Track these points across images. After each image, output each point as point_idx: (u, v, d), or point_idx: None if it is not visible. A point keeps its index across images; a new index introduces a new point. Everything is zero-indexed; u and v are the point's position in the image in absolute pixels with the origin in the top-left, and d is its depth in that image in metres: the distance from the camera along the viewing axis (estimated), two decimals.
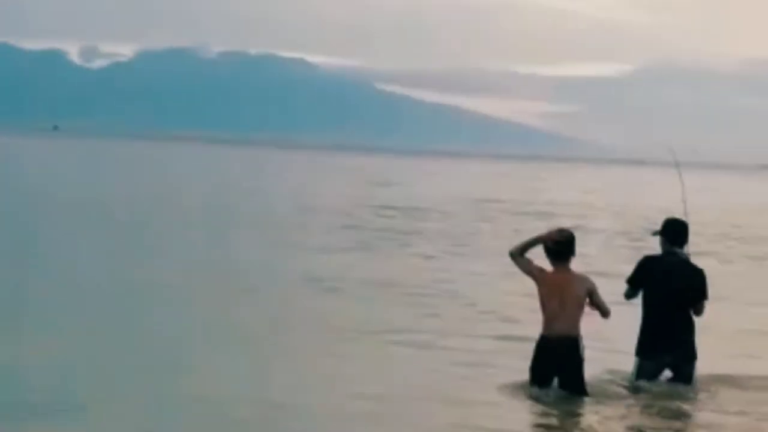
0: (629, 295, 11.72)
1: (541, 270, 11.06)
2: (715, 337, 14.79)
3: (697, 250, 12.88)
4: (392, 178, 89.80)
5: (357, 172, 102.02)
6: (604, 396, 11.68)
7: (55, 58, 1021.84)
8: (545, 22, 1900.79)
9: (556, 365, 11.01)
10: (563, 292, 10.89)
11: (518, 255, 11.08)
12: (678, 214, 12.29)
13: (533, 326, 11.77)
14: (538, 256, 11.48)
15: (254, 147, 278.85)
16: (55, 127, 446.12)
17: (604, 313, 11.12)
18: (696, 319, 11.79)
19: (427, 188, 72.93)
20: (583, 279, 11.09)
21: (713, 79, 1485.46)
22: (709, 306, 11.96)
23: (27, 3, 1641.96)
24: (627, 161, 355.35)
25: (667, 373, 11.84)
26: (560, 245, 10.99)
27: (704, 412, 11.62)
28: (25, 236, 29.31)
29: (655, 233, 11.74)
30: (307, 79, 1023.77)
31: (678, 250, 11.52)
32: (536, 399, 11.21)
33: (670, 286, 11.37)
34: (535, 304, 11.42)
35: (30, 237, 28.94)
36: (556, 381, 11.17)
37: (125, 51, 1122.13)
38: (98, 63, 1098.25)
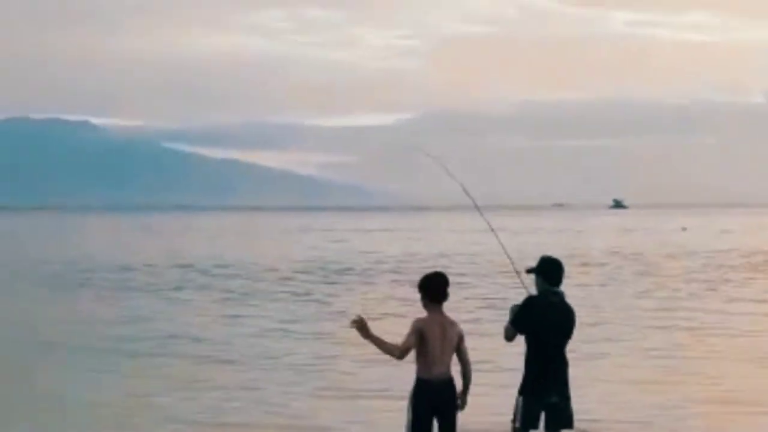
0: (511, 336, 11.00)
1: (417, 326, 10.49)
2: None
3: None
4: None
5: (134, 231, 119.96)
6: None
7: None
8: (327, 74, 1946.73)
9: (439, 409, 10.61)
10: (444, 335, 10.55)
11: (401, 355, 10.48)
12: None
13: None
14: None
15: (40, 213, 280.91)
16: None
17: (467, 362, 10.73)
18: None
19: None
20: (455, 323, 10.74)
21: (490, 123, 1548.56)
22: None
23: None
24: (414, 207, 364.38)
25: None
26: (440, 288, 10.62)
27: None
28: None
29: (529, 271, 11.10)
30: (94, 141, 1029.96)
31: (556, 290, 11.01)
32: None
33: (557, 326, 10.94)
34: None
35: None
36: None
37: None
38: None
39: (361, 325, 10.26)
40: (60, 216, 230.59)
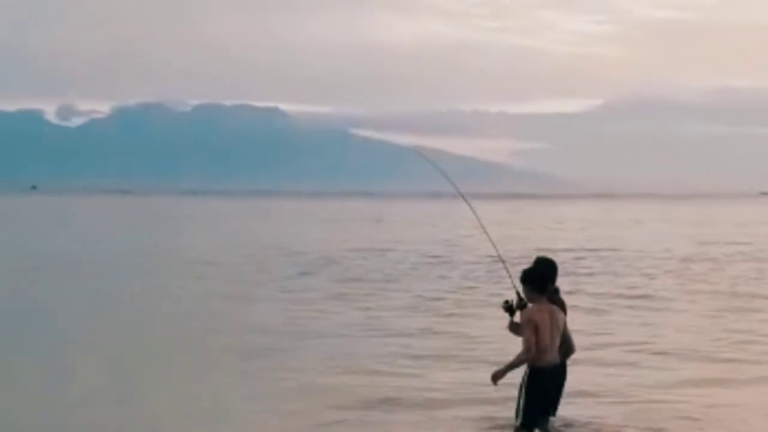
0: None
1: (532, 320, 10.98)
2: None
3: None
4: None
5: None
6: None
7: (32, 118, 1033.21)
8: (516, 60, 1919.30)
9: (550, 393, 11.18)
10: (553, 322, 11.00)
11: (508, 371, 11.10)
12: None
13: None
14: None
15: (240, 197, 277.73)
16: (33, 187, 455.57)
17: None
18: None
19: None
20: (559, 310, 11.16)
21: (677, 110, 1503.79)
22: None
23: (1, 65, 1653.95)
24: (599, 195, 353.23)
25: None
26: (545, 277, 11.13)
27: None
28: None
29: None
30: (283, 127, 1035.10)
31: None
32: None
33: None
34: None
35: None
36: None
37: (102, 108, 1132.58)
38: (76, 121, 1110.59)
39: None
40: (273, 201, 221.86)
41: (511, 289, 11.66)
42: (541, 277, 11.09)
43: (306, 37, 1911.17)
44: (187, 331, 23.05)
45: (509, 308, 11.27)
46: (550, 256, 11.85)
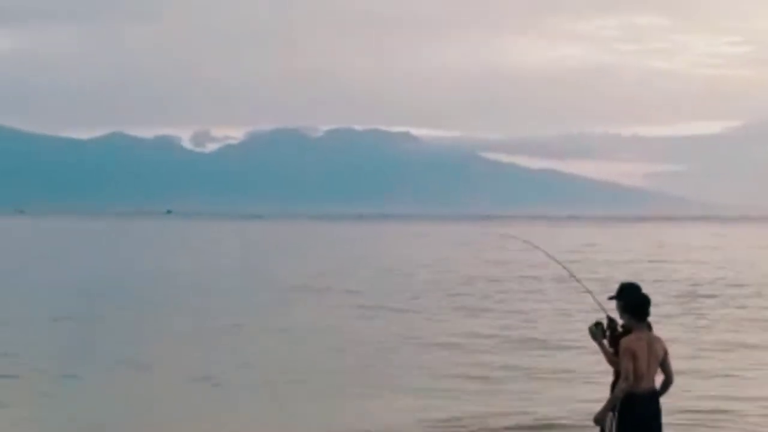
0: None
1: (630, 348, 11.04)
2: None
3: None
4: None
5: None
6: None
7: (168, 143, 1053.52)
8: (650, 83, 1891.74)
9: (645, 422, 11.19)
10: (650, 351, 11.12)
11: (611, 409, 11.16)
12: None
13: None
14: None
15: (371, 221, 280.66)
16: (169, 211, 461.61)
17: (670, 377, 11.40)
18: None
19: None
20: (660, 339, 11.29)
21: None
22: None
23: (138, 92, 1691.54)
24: (742, 218, 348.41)
25: None
26: (645, 305, 11.22)
27: None
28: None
29: (612, 298, 11.53)
30: (414, 151, 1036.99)
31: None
32: None
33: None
34: None
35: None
36: None
37: (236, 134, 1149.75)
38: (210, 147, 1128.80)
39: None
40: (405, 225, 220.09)
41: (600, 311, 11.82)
42: (642, 305, 11.14)
43: (436, 60, 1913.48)
44: None
45: (597, 324, 11.53)
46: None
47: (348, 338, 27.23)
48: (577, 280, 12.66)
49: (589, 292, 12.26)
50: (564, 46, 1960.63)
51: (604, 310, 11.60)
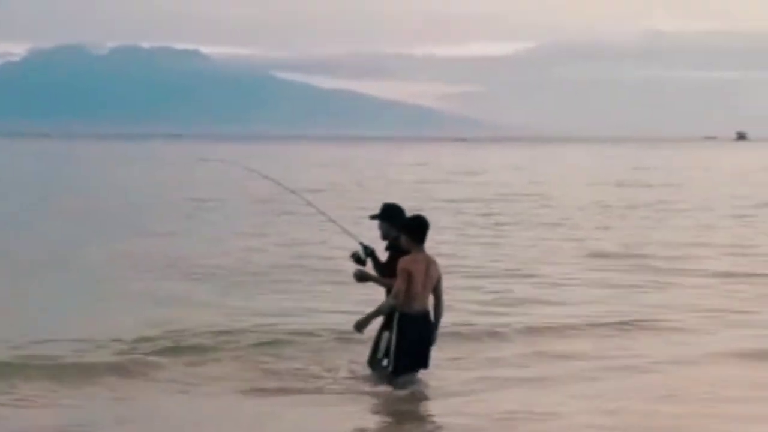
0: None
1: (407, 269, 11.17)
2: None
3: None
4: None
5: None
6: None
7: None
8: (441, 3, 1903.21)
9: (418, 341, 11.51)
10: (427, 273, 11.33)
11: (365, 325, 11.46)
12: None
13: None
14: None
15: (150, 140, 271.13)
16: None
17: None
18: None
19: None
20: (436, 263, 11.54)
21: (611, 55, 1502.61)
22: None
23: None
24: (536, 139, 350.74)
25: None
26: (426, 228, 11.38)
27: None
28: None
29: (374, 217, 11.83)
30: (203, 70, 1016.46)
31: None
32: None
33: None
34: None
35: None
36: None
37: (17, 50, 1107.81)
38: None
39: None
40: (185, 144, 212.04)
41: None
42: (421, 227, 11.28)
43: None
44: None
45: (358, 259, 11.71)
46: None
47: None
48: (304, 200, 12.90)
49: (333, 221, 12.48)
50: None
51: (354, 237, 11.87)
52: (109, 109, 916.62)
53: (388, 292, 11.40)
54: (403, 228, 11.29)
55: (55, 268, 20.86)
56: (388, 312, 11.23)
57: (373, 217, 11.68)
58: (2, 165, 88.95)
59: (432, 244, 11.34)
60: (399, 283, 11.09)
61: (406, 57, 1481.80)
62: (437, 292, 11.33)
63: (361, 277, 11.57)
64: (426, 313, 11.29)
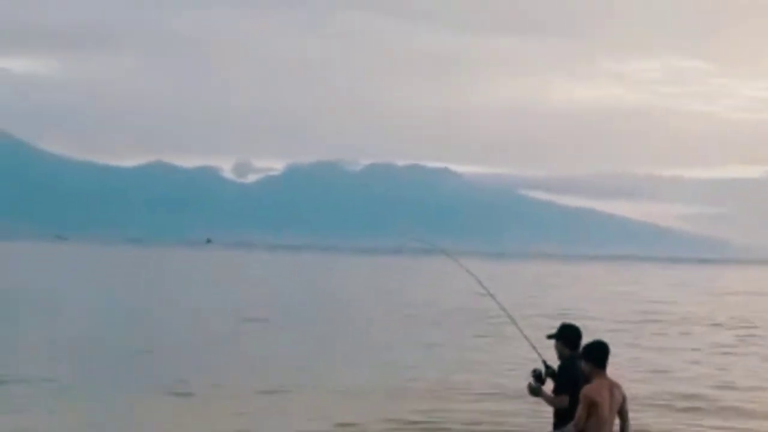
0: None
1: (588, 397, 11.16)
2: None
3: None
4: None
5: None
6: None
7: (209, 173, 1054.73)
8: (686, 125, 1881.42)
9: None
10: (612, 398, 11.25)
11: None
12: None
13: None
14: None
15: (401, 256, 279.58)
16: (209, 240, 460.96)
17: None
18: None
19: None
20: (619, 386, 11.42)
21: None
22: None
23: (181, 122, 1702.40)
24: None
25: None
26: (607, 353, 11.29)
27: None
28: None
29: (550, 337, 11.94)
30: (452, 188, 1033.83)
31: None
32: None
33: None
34: None
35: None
36: None
37: (276, 165, 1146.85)
38: (251, 178, 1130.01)
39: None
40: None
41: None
42: (604, 352, 11.25)
43: (476, 99, 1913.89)
44: None
45: (539, 377, 11.92)
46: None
47: None
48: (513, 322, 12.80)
49: (526, 337, 12.51)
50: (608, 87, 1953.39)
51: (539, 355, 12.05)
52: (360, 222, 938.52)
53: (557, 413, 11.78)
54: (585, 353, 11.30)
55: None
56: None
57: (550, 337, 11.84)
58: (280, 276, 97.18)
59: None
60: (581, 411, 11.10)
61: (654, 177, 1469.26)
62: (623, 413, 11.34)
63: (534, 392, 11.82)
64: None
